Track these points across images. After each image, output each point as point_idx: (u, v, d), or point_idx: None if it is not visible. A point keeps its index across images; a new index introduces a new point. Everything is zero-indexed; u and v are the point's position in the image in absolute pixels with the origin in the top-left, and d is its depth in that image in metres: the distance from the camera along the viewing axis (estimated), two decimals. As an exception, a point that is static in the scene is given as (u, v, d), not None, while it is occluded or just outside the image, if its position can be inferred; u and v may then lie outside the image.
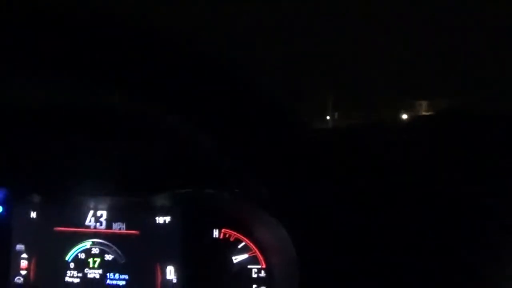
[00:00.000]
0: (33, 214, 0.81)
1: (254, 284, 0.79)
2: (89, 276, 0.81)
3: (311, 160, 0.54)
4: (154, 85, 0.46)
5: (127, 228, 0.81)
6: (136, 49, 0.44)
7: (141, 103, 0.49)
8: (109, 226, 0.81)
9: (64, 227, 0.82)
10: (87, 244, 0.81)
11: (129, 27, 0.44)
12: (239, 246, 0.80)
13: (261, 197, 0.56)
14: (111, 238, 0.81)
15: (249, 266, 0.80)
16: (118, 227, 0.81)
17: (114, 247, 0.81)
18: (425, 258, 0.80)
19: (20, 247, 0.81)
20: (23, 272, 0.81)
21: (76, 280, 0.81)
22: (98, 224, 0.81)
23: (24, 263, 0.81)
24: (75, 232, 0.81)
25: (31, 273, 0.81)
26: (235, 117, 0.49)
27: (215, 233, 0.80)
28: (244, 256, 0.80)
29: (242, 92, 0.49)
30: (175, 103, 0.47)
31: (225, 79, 0.48)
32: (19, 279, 0.81)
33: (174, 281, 0.79)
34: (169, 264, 0.79)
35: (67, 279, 0.81)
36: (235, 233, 0.80)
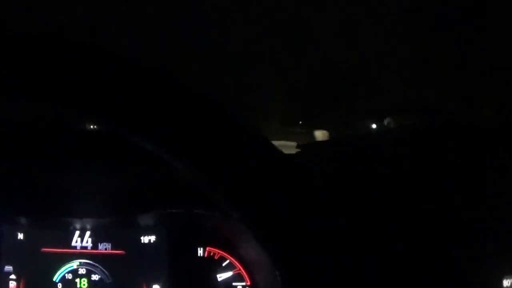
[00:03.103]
0: (21, 236, 0.82)
1: (239, 301, 0.80)
2: (76, 296, 0.82)
3: (285, 180, 0.54)
4: (113, 107, 0.45)
5: (112, 248, 0.81)
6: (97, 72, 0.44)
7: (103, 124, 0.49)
8: (95, 246, 0.82)
9: (51, 248, 0.82)
10: (74, 264, 0.82)
11: (81, 49, 0.44)
12: (224, 264, 0.80)
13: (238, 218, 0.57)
14: (97, 258, 0.82)
15: (234, 284, 0.80)
16: (104, 247, 0.82)
17: (101, 267, 0.82)
18: (412, 274, 0.80)
19: (8, 268, 0.82)
20: (12, 293, 0.82)
21: (64, 301, 0.81)
22: (84, 244, 0.82)
23: (12, 284, 0.82)
24: (62, 253, 0.82)
25: (20, 294, 0.81)
26: (205, 140, 0.49)
27: (200, 251, 0.81)
28: (229, 273, 0.80)
29: (210, 115, 0.49)
30: (142, 128, 0.47)
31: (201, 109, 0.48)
32: (8, 301, 0.82)
33: (160, 300, 0.80)
34: (155, 283, 0.80)
35: (55, 299, 0.81)
36: (219, 251, 0.81)
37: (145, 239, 0.80)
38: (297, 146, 1.19)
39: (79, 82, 0.43)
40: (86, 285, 0.82)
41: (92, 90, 0.44)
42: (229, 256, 0.80)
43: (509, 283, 0.86)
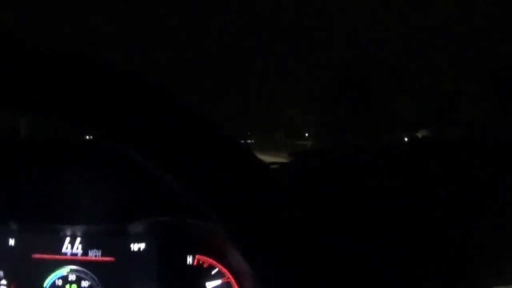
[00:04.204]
0: (11, 241, 0.83)
1: (228, 309, 0.80)
2: (66, 302, 0.82)
3: (258, 187, 0.54)
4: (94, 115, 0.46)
5: (102, 255, 0.82)
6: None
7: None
8: (85, 253, 0.82)
9: (42, 254, 0.83)
10: (64, 271, 0.82)
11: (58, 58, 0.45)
12: (213, 272, 0.80)
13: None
14: (87, 265, 0.82)
15: (223, 292, 0.80)
16: (94, 254, 0.82)
17: (91, 274, 0.82)
18: (403, 282, 0.80)
19: (-1, 273, 0.83)
20: (3, 299, 0.82)
21: (54, 307, 0.82)
22: (74, 251, 0.82)
23: (3, 290, 0.83)
24: (52, 259, 0.82)
25: (11, 300, 0.82)
26: (187, 149, 0.49)
27: (189, 259, 0.81)
28: (218, 282, 0.80)
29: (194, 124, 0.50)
30: (126, 138, 0.47)
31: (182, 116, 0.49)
32: (-2, 306, 0.82)
33: (149, 307, 0.80)
34: (144, 291, 0.80)
35: (45, 305, 0.82)
36: (209, 259, 0.81)
37: (135, 247, 0.81)
38: (290, 155, 1.19)
39: (58, 91, 0.44)
40: None
41: (75, 99, 0.45)
42: (218, 265, 0.80)
43: (498, 293, 0.86)
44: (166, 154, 0.48)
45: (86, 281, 0.82)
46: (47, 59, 0.43)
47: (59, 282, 0.82)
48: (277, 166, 1.19)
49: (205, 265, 0.81)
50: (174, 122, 0.48)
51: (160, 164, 0.49)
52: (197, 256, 0.81)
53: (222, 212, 0.51)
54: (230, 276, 0.80)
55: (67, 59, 0.44)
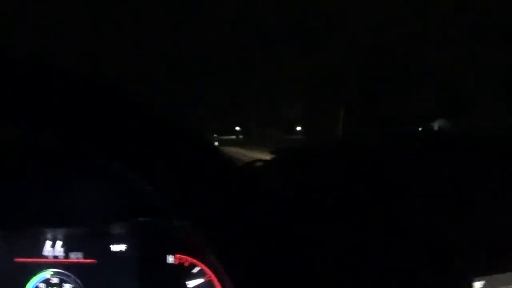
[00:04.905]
0: (-7, 246, 0.83)
1: (210, 308, 0.81)
2: (49, 305, 0.83)
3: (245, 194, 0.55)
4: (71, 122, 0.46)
5: (84, 257, 0.82)
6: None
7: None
8: (67, 255, 0.82)
9: (24, 257, 0.83)
10: (46, 274, 0.83)
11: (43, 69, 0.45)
12: (194, 271, 0.81)
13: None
14: (69, 267, 0.82)
15: (204, 291, 0.81)
16: (76, 257, 0.82)
17: (73, 276, 0.82)
18: (382, 275, 0.82)
19: (-19, 278, 0.83)
20: (-16, 303, 0.82)
21: (37, 310, 0.82)
22: (56, 254, 0.83)
23: (-15, 294, 0.83)
24: (34, 262, 0.83)
25: (-8, 304, 0.82)
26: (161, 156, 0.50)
27: (170, 259, 0.81)
28: (200, 280, 0.81)
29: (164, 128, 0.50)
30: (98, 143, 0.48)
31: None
32: (-20, 311, 0.82)
33: (132, 308, 0.81)
34: (126, 292, 0.81)
35: (28, 309, 0.82)
36: (190, 258, 0.81)
37: (116, 248, 0.81)
38: (273, 152, 1.20)
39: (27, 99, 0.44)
40: None
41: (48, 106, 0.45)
42: (199, 263, 0.81)
43: (481, 285, 0.88)
44: (139, 159, 0.49)
45: (69, 284, 0.82)
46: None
47: (42, 286, 0.83)
48: (261, 163, 1.20)
49: (186, 264, 0.81)
50: (146, 127, 0.49)
51: (133, 168, 0.49)
52: (177, 255, 0.81)
53: (196, 216, 0.52)
54: (212, 275, 0.81)
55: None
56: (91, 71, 0.46)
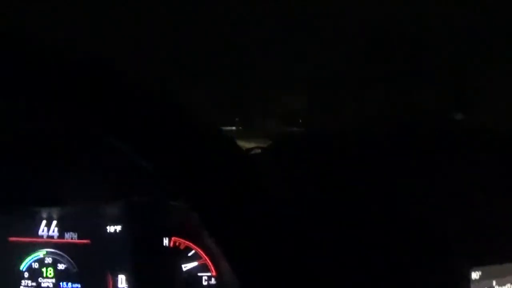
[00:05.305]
0: (-13, 225, 0.82)
1: (205, 291, 0.81)
2: (43, 285, 0.82)
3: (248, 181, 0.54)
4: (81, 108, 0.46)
5: (78, 237, 0.82)
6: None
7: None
8: (61, 235, 0.82)
9: (18, 237, 0.82)
10: (40, 253, 0.82)
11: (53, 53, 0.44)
12: (189, 254, 0.81)
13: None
14: (63, 247, 0.82)
15: (199, 274, 0.81)
16: (70, 237, 0.82)
17: (67, 256, 0.82)
18: (378, 265, 0.81)
19: (-25, 257, 0.82)
20: (-23, 282, 0.82)
21: (30, 290, 0.82)
22: (50, 233, 0.82)
23: (-22, 273, 0.82)
24: (28, 242, 0.82)
25: (-15, 283, 0.82)
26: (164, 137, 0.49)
27: (165, 241, 0.81)
28: (194, 264, 0.81)
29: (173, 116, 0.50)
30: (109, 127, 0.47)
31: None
32: (-27, 289, 0.82)
33: (126, 289, 0.80)
34: (120, 273, 0.80)
35: (21, 288, 0.82)
36: (185, 241, 0.81)
37: (111, 229, 0.81)
38: (273, 138, 1.19)
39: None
40: (52, 274, 0.82)
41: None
42: (195, 247, 0.81)
43: (478, 275, 0.87)
44: (140, 137, 0.48)
45: (63, 264, 0.82)
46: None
47: (36, 265, 0.82)
48: (259, 151, 1.19)
49: (181, 247, 0.81)
50: (148, 106, 0.48)
51: (133, 147, 0.49)
52: (173, 238, 0.81)
53: (195, 198, 0.51)
54: (207, 258, 0.81)
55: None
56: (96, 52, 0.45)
